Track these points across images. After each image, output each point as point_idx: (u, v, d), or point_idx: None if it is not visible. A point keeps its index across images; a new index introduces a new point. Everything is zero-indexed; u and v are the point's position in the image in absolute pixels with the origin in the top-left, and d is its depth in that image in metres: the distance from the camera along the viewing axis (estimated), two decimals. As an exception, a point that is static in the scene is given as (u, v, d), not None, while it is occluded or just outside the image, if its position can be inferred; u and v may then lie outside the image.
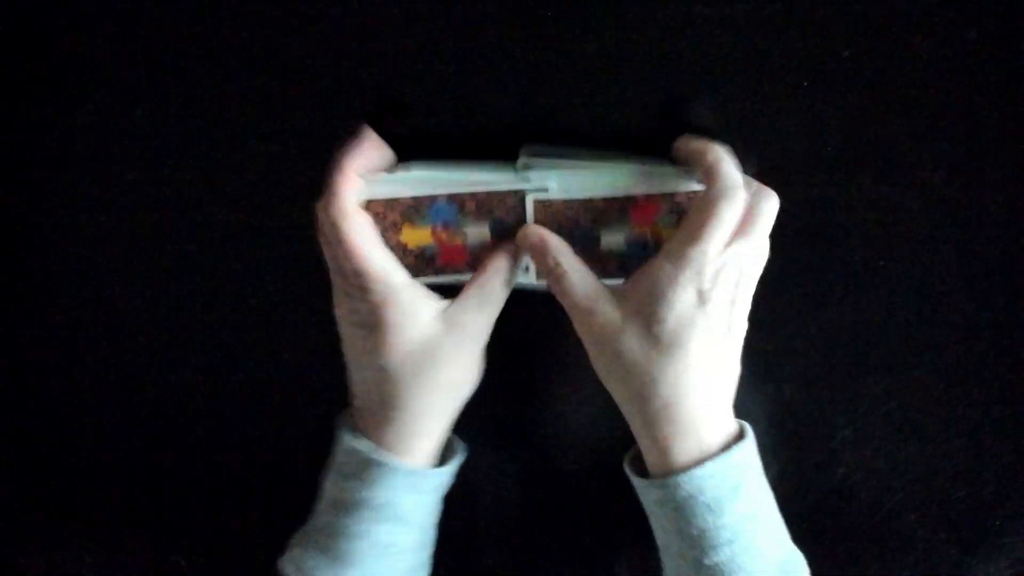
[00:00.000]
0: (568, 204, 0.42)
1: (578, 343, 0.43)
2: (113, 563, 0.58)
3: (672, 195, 0.42)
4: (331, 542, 0.41)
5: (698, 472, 0.38)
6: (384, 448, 0.41)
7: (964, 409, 0.50)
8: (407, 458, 0.41)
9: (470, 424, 0.47)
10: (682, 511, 0.38)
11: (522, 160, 0.43)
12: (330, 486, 0.42)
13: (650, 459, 0.40)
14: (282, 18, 0.47)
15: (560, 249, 0.41)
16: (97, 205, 0.51)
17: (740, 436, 0.41)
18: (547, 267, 0.41)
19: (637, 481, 0.42)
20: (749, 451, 0.40)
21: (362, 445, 0.41)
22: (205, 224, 0.51)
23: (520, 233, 0.42)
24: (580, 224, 0.43)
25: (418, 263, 0.44)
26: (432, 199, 0.43)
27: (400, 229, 0.43)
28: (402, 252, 0.43)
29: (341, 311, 0.43)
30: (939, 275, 0.48)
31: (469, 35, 0.46)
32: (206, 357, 0.54)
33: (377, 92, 0.47)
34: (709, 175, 0.39)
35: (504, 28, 0.46)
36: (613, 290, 0.41)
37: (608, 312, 0.40)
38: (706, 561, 0.38)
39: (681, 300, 0.38)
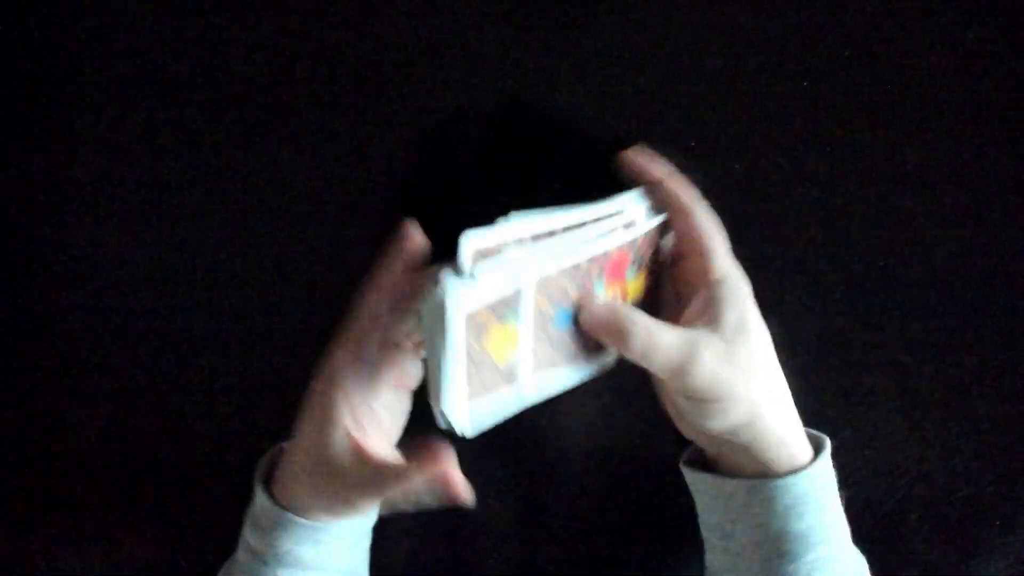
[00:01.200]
0: (561, 275, 0.38)
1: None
2: (113, 563, 0.58)
3: (635, 242, 0.40)
4: None
5: (810, 472, 0.40)
6: (290, 500, 0.41)
7: (964, 409, 0.50)
8: (307, 515, 0.41)
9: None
10: (789, 511, 0.40)
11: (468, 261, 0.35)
12: (245, 527, 0.44)
13: (750, 468, 0.41)
14: (283, 18, 0.47)
15: (630, 318, 0.38)
16: (97, 205, 0.51)
17: (815, 438, 0.43)
18: (632, 347, 0.37)
19: (722, 481, 0.42)
20: (828, 459, 0.43)
21: (265, 502, 0.42)
22: (205, 224, 0.51)
23: (585, 318, 0.38)
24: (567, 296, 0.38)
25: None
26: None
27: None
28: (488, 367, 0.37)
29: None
30: (939, 275, 0.48)
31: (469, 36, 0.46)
32: (206, 357, 0.54)
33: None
34: (672, 205, 0.41)
35: (501, 29, 0.46)
36: (695, 329, 0.38)
37: (713, 346, 0.38)
38: (808, 557, 0.40)
39: (747, 312, 0.39)
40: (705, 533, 0.45)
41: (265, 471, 0.44)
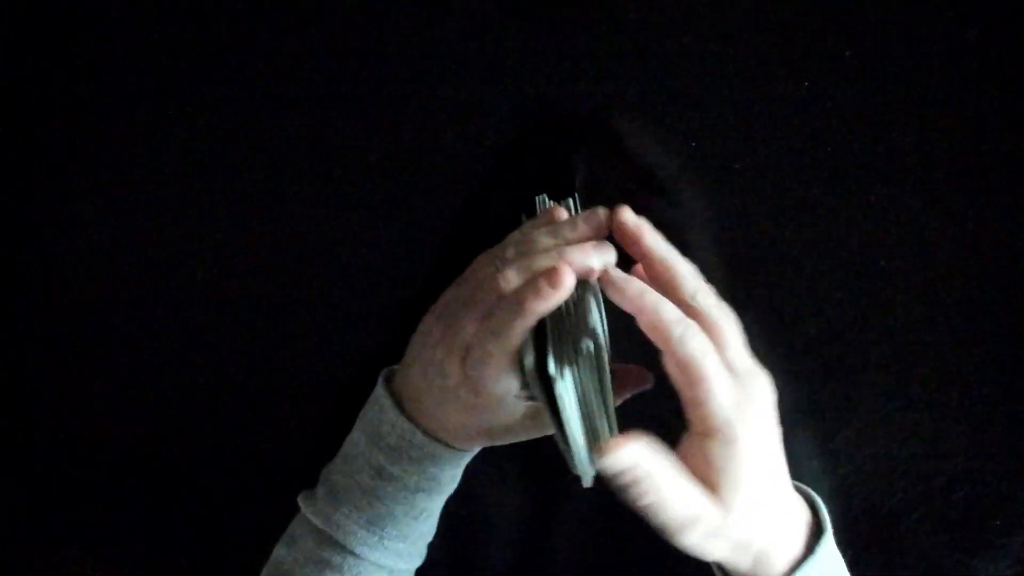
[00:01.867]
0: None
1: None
2: (113, 563, 0.58)
3: None
4: (366, 503, 0.43)
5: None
6: (429, 430, 0.42)
7: (964, 409, 0.50)
8: (450, 439, 0.42)
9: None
10: None
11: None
12: (376, 453, 0.43)
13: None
14: (282, 18, 0.47)
15: (653, 473, 0.34)
16: (97, 205, 0.51)
17: (816, 520, 0.41)
18: (640, 497, 0.35)
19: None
20: (829, 548, 0.41)
21: (414, 433, 0.42)
22: (205, 223, 0.51)
23: (601, 462, 0.35)
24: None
25: None
26: None
27: None
28: None
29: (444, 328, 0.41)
30: (939, 275, 0.48)
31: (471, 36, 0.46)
32: (206, 358, 0.54)
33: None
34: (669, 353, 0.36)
35: (502, 29, 0.46)
36: (704, 494, 0.36)
37: (710, 518, 0.36)
38: None
39: (750, 466, 0.36)
40: None
41: (395, 395, 0.43)
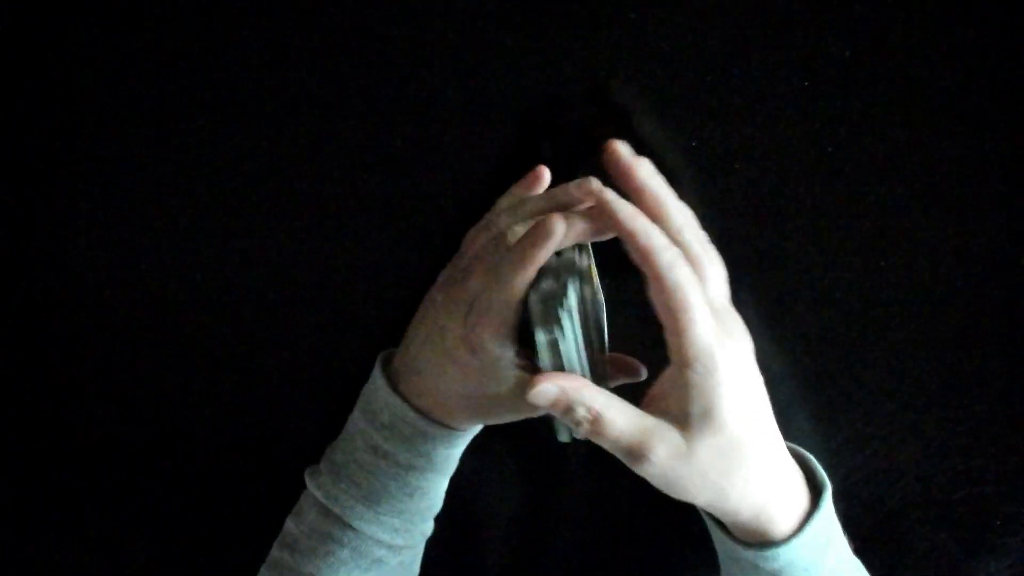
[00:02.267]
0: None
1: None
2: (113, 563, 0.58)
3: None
4: (363, 479, 0.44)
5: (795, 542, 0.39)
6: (421, 408, 0.43)
7: (964, 409, 0.50)
8: (443, 417, 0.43)
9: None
10: (778, 574, 0.39)
11: None
12: (371, 431, 0.44)
13: (738, 534, 0.40)
14: (283, 17, 0.47)
15: (590, 395, 0.36)
16: (97, 205, 0.51)
17: (813, 482, 0.41)
18: (578, 421, 0.36)
19: (715, 535, 0.42)
20: (829, 506, 0.41)
21: (405, 411, 0.42)
22: (205, 223, 0.51)
23: (531, 394, 0.37)
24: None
25: None
26: None
27: None
28: None
29: (443, 303, 0.42)
30: (939, 275, 0.48)
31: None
32: (206, 358, 0.54)
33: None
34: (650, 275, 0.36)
35: (502, 29, 0.46)
36: (654, 413, 0.37)
37: (669, 440, 0.36)
38: None
39: (730, 397, 0.36)
40: (716, 548, 0.45)
41: (391, 374, 0.44)
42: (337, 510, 0.44)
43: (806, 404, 0.51)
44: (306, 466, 0.47)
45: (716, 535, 0.42)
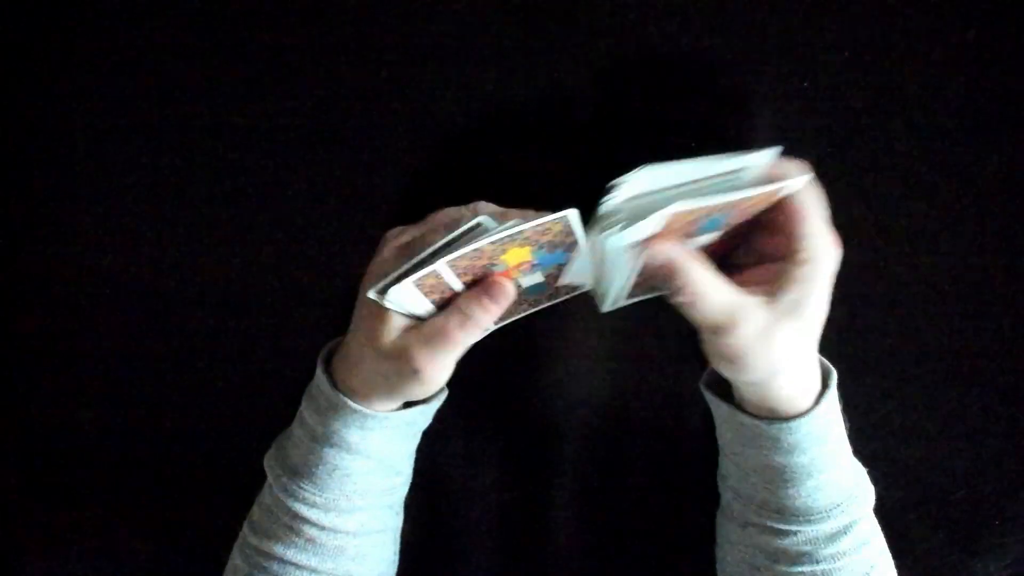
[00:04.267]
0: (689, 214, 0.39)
1: (568, 335, 0.42)
2: (113, 563, 0.58)
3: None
4: (292, 450, 0.46)
5: (813, 414, 0.42)
6: (337, 383, 0.44)
7: (964, 409, 0.50)
8: (349, 392, 0.44)
9: (468, 424, 0.47)
10: (793, 448, 0.42)
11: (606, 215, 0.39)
12: (303, 403, 0.46)
13: (765, 407, 0.43)
14: (282, 16, 0.47)
15: (693, 268, 0.39)
16: (97, 205, 0.51)
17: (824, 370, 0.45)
18: (677, 289, 0.39)
19: (734, 413, 0.44)
20: (835, 387, 0.44)
21: (325, 384, 0.44)
22: (205, 223, 0.51)
23: (648, 254, 0.39)
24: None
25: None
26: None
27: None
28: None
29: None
30: (939, 275, 0.48)
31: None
32: (206, 357, 0.54)
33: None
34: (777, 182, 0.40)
35: (502, 29, 0.45)
36: (749, 291, 0.40)
37: (756, 319, 0.39)
38: (809, 483, 0.42)
39: (810, 295, 0.40)
40: (720, 442, 0.47)
41: (326, 356, 0.46)
42: (271, 479, 0.45)
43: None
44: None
45: (731, 420, 0.45)
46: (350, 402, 0.43)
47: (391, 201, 0.50)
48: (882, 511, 0.45)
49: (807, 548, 0.43)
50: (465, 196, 0.49)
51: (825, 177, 0.47)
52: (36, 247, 0.52)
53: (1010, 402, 0.50)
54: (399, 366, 0.41)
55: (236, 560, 0.47)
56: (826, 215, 0.41)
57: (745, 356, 0.39)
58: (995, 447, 0.51)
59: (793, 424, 0.42)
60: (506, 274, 0.41)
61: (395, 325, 0.41)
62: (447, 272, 0.39)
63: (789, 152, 0.47)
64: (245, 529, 0.47)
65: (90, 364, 0.54)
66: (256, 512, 0.47)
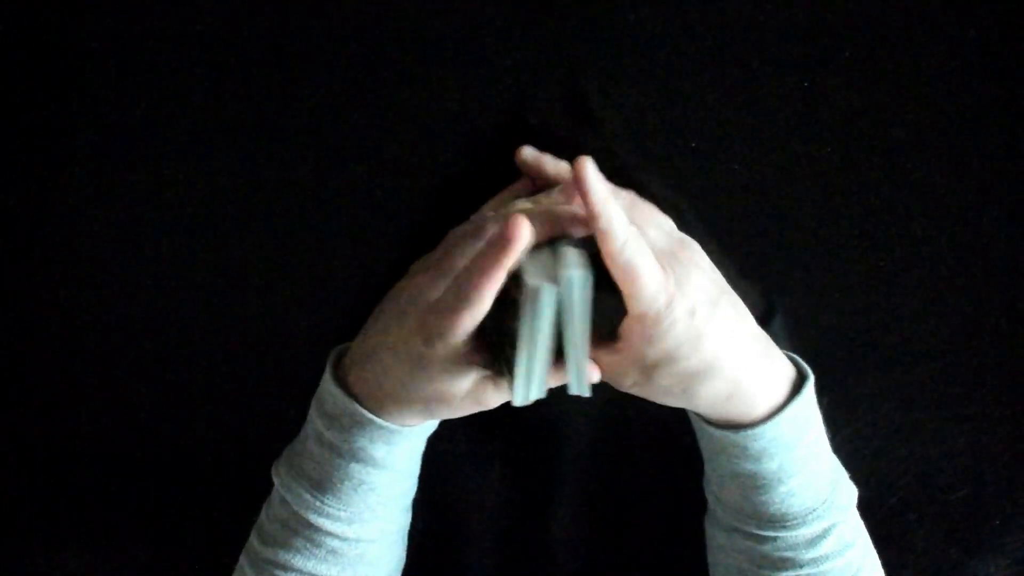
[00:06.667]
0: None
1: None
2: (113, 563, 0.58)
3: None
4: (311, 468, 0.45)
5: (778, 419, 0.41)
6: (361, 400, 0.43)
7: (964, 409, 0.50)
8: (378, 410, 0.43)
9: (469, 424, 0.47)
10: (761, 454, 0.42)
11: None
12: (317, 420, 0.45)
13: (722, 419, 0.43)
14: (282, 16, 0.47)
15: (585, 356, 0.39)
16: (97, 205, 0.51)
17: (799, 373, 0.44)
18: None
19: (701, 425, 0.44)
20: (809, 391, 0.43)
21: (346, 401, 0.43)
22: (205, 223, 0.51)
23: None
24: None
25: None
26: None
27: None
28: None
29: (415, 289, 0.42)
30: (939, 275, 0.48)
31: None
32: (206, 357, 0.54)
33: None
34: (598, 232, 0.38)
35: (502, 29, 0.46)
36: (621, 351, 0.40)
37: (632, 374, 0.41)
38: (781, 489, 0.42)
39: (677, 339, 0.39)
40: (702, 450, 0.47)
41: (334, 361, 0.45)
42: (289, 498, 0.44)
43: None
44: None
45: (701, 429, 0.45)
46: (378, 420, 0.43)
47: (395, 201, 0.50)
48: (882, 511, 0.45)
49: (788, 553, 0.43)
50: (467, 196, 0.49)
51: (825, 177, 0.47)
52: (36, 247, 0.52)
53: (1010, 402, 0.50)
54: (462, 404, 0.41)
55: (246, 571, 0.46)
56: (653, 236, 0.40)
57: (644, 397, 0.41)
58: (995, 447, 0.51)
59: (758, 430, 0.41)
60: None
61: (468, 373, 0.40)
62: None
63: (789, 152, 0.47)
64: (255, 541, 0.46)
65: (90, 364, 0.54)
66: (267, 524, 0.46)
